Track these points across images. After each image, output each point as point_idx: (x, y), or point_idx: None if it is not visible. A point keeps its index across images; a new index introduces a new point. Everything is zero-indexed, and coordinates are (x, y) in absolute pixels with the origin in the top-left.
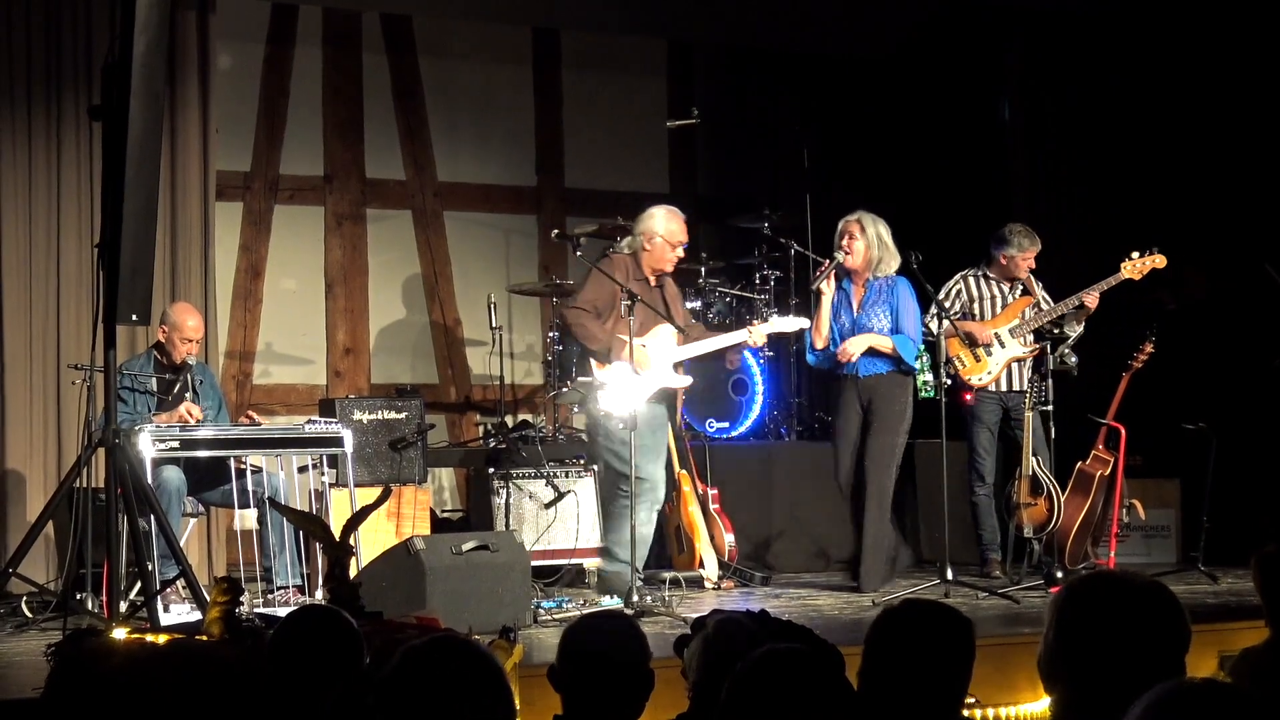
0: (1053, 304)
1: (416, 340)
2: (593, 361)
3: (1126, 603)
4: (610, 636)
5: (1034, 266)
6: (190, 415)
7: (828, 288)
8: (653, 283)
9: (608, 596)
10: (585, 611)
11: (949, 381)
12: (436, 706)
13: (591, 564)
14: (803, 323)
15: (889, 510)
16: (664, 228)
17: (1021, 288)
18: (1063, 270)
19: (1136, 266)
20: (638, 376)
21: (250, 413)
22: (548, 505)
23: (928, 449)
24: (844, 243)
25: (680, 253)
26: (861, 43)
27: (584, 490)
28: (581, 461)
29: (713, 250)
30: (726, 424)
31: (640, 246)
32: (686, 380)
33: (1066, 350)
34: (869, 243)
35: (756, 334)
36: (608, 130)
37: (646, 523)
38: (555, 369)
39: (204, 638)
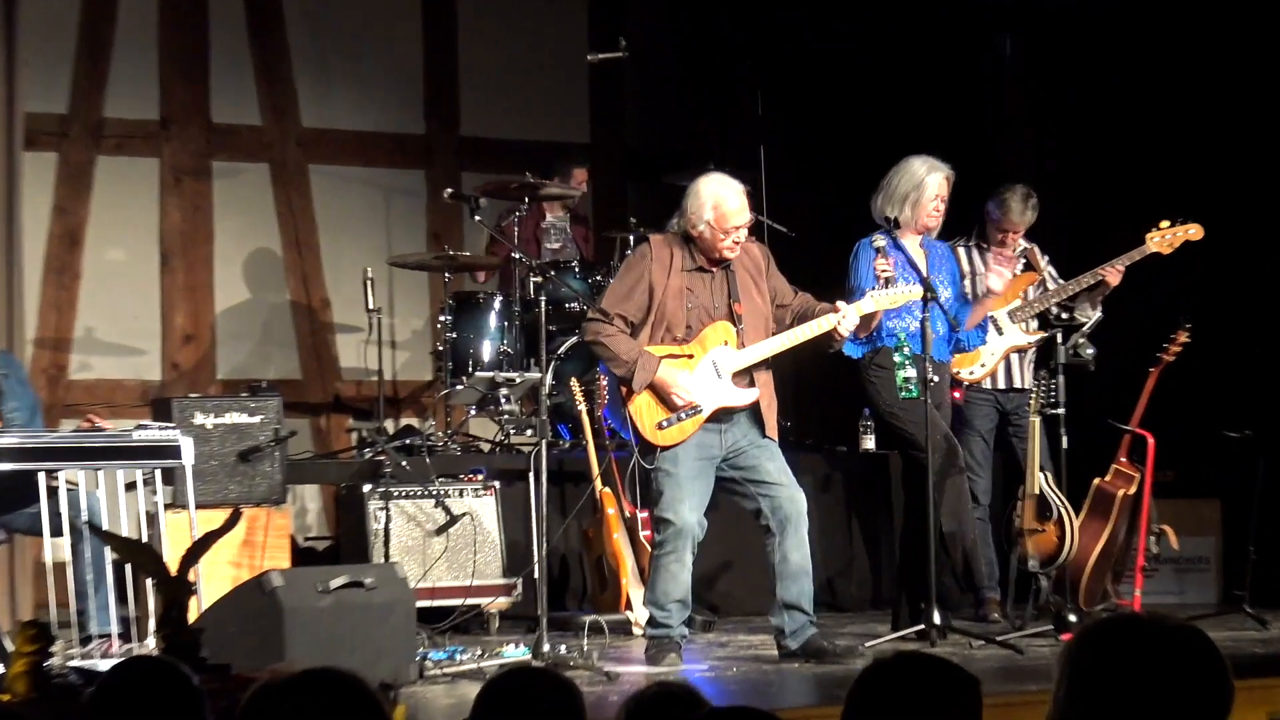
0: (1062, 282)
1: (274, 325)
2: (624, 389)
3: (1154, 652)
4: (542, 695)
5: (1011, 240)
6: None
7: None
8: (713, 270)
9: (654, 665)
10: (486, 664)
11: (935, 378)
12: None
13: (493, 604)
14: (913, 293)
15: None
16: (709, 213)
17: (1024, 262)
18: (1067, 247)
19: (1166, 239)
20: (671, 411)
21: (91, 415)
22: (438, 531)
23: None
24: (942, 208)
25: (738, 238)
26: None
27: (484, 512)
28: (480, 476)
29: (644, 213)
30: None
31: (686, 229)
32: (750, 395)
33: (1081, 339)
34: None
35: (847, 318)
36: (514, 67)
37: (677, 573)
38: (447, 361)
39: (6, 697)
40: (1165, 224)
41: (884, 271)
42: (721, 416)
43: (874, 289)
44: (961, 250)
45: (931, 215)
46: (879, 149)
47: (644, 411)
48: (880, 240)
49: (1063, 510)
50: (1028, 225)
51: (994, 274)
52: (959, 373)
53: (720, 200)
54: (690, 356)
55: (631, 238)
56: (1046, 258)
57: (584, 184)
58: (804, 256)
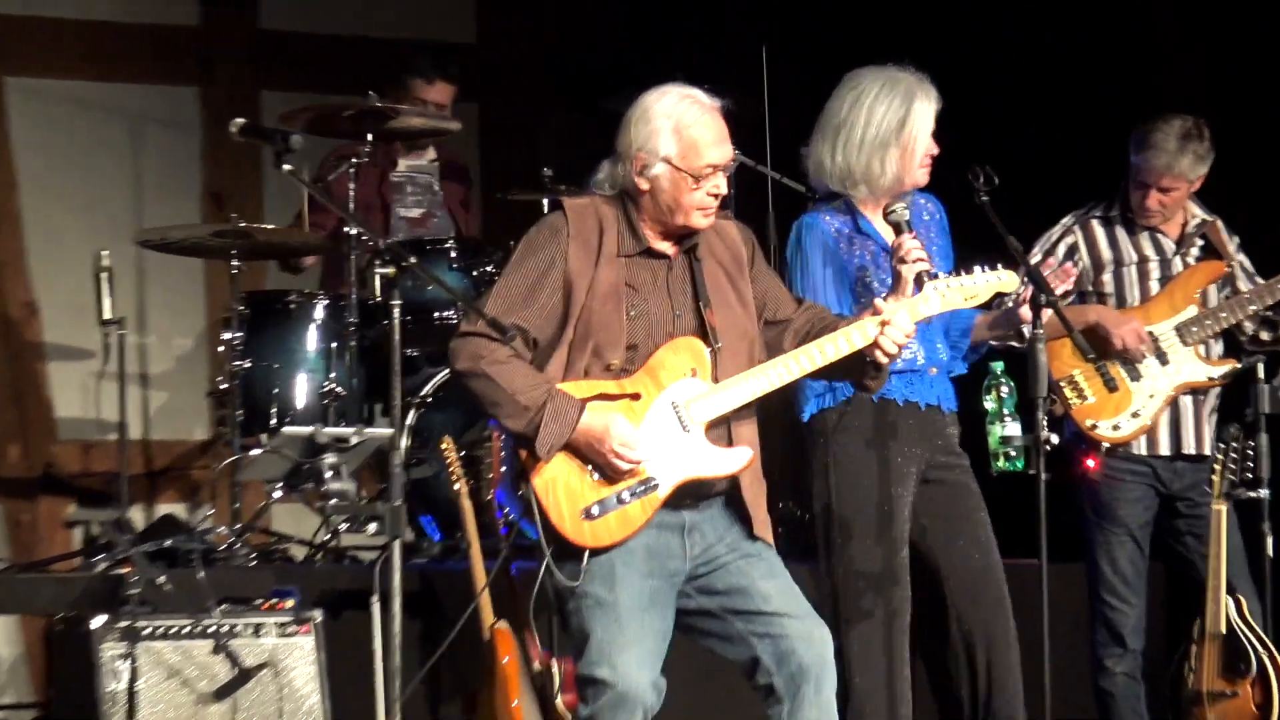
0: (1264, 280)
1: None
2: (523, 453)
3: None
4: None
5: (1161, 204)
6: None
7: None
8: (669, 255)
9: None
10: None
11: (1053, 438)
12: None
13: None
14: (1005, 282)
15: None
16: (669, 142)
17: (1201, 242)
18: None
19: None
20: (616, 474)
21: None
22: (219, 695)
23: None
24: (935, 151)
25: (717, 187)
26: None
27: (296, 662)
28: (290, 602)
29: (567, 162)
30: None
31: (630, 181)
32: (737, 459)
33: None
34: None
35: (895, 323)
36: None
37: None
38: (236, 408)
39: None
40: None
41: (918, 259)
42: (686, 500)
43: (886, 292)
44: (1098, 227)
45: (925, 164)
46: (959, 59)
47: (559, 491)
48: (901, 209)
49: (1266, 659)
50: (1190, 179)
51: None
52: (1095, 426)
53: (685, 121)
54: (636, 396)
55: (545, 202)
56: (1237, 240)
57: (447, 107)
58: None
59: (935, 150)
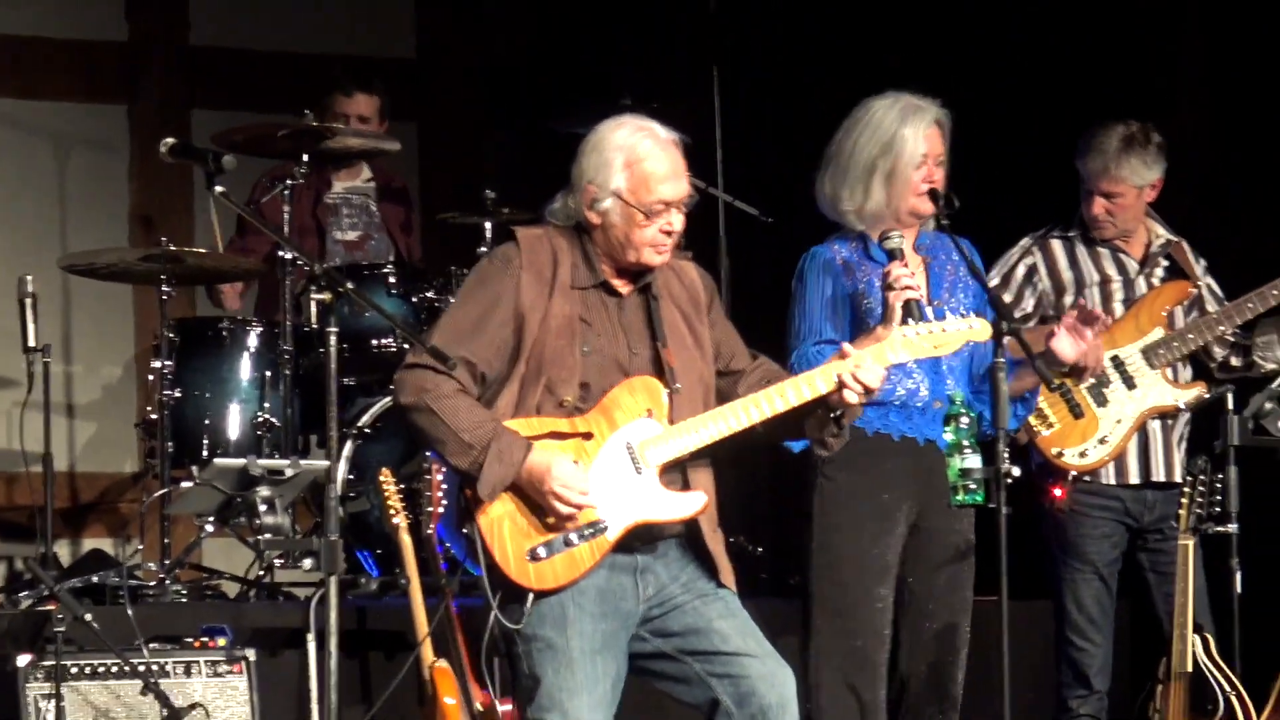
0: (1229, 302)
1: None
2: (468, 491)
3: None
4: None
5: (1109, 213)
6: None
7: None
8: (624, 292)
9: None
10: None
11: (1015, 471)
12: None
13: None
14: (977, 331)
15: None
16: (620, 176)
17: (1166, 262)
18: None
19: None
20: (562, 516)
21: None
22: None
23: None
24: (940, 175)
25: (670, 224)
26: None
27: (228, 702)
28: (222, 641)
29: (512, 183)
30: None
31: (582, 213)
32: (690, 503)
33: (1269, 403)
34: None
35: (863, 369)
36: None
37: None
38: (165, 439)
39: None
40: None
41: (906, 286)
42: (638, 543)
43: (879, 324)
44: (1057, 246)
45: (922, 193)
46: (927, 71)
47: (505, 532)
48: (895, 239)
49: (1234, 699)
50: (1135, 185)
51: (1065, 336)
52: (1061, 455)
53: (638, 154)
54: (587, 436)
55: (487, 226)
56: (1203, 263)
57: (371, 120)
58: (784, 259)
59: (936, 178)
